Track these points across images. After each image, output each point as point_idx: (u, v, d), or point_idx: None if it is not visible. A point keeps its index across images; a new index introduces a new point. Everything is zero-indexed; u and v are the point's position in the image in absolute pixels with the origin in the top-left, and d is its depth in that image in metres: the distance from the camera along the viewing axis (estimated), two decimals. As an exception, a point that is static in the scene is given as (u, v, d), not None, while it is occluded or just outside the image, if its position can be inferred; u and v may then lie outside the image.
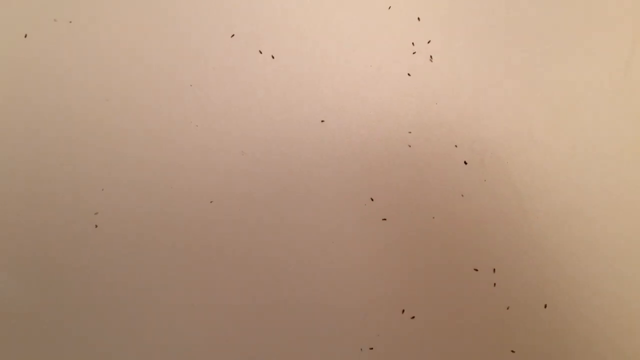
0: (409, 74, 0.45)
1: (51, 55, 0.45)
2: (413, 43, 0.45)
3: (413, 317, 0.44)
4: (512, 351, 0.43)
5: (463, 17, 0.45)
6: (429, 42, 0.45)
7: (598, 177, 0.44)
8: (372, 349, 0.44)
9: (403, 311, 0.44)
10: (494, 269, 0.44)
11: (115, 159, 0.44)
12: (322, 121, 0.45)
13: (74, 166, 0.44)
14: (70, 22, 0.45)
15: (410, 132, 0.45)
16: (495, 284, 0.44)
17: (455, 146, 0.45)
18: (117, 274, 0.44)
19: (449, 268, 0.44)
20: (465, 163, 0.45)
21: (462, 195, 0.44)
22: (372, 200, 0.45)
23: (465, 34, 0.45)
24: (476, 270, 0.44)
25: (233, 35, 0.45)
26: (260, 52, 0.45)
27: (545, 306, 0.44)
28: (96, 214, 0.44)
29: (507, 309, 0.44)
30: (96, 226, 0.44)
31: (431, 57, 0.45)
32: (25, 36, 0.45)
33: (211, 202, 0.44)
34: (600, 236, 0.44)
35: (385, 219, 0.45)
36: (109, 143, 0.44)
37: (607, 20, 0.45)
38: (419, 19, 0.45)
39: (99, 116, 0.45)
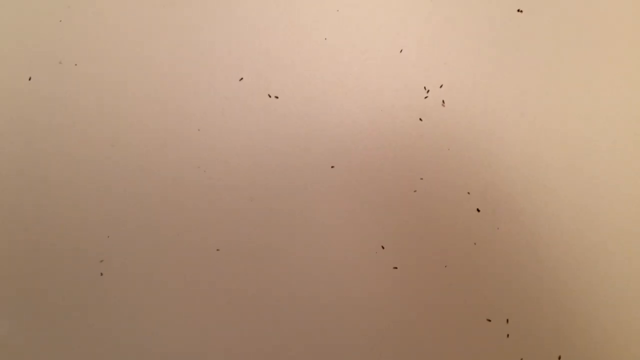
0: (420, 119, 0.44)
1: (56, 98, 0.44)
2: (425, 87, 0.44)
3: (424, 369, 0.43)
4: (526, 404, 0.43)
5: (476, 61, 0.45)
6: (441, 86, 0.44)
7: (614, 226, 0.43)
8: (382, 400, 0.43)
9: (414, 362, 0.43)
10: (507, 320, 0.43)
11: (121, 205, 0.43)
12: (332, 167, 0.44)
13: (78, 212, 0.43)
14: (76, 64, 0.44)
15: (422, 179, 0.44)
16: (508, 335, 0.43)
17: (468, 193, 0.44)
18: (123, 323, 0.43)
19: (461, 318, 0.43)
20: (478, 210, 0.44)
21: (475, 244, 0.44)
22: (383, 248, 0.44)
23: (479, 78, 0.44)
24: (489, 320, 0.43)
25: (241, 78, 0.44)
26: (269, 96, 0.44)
27: (559, 358, 0.43)
28: (102, 261, 0.43)
29: (521, 360, 0.43)
30: (101, 274, 0.43)
31: (443, 101, 0.44)
32: (30, 79, 0.44)
33: (218, 250, 0.43)
34: (617, 287, 0.43)
35: (396, 268, 0.44)
36: (114, 189, 0.44)
37: (622, 62, 0.44)
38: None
39: (105, 161, 0.44)
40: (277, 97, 0.44)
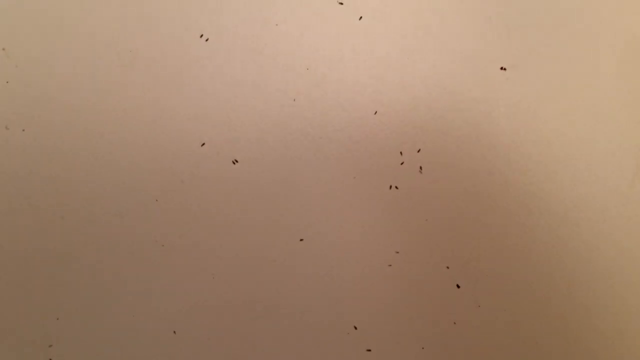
0: (396, 187, 0.41)
1: (3, 165, 0.41)
2: (401, 152, 0.41)
3: None
4: None
5: (456, 123, 0.41)
6: (418, 150, 0.41)
7: (597, 300, 0.40)
8: None
9: None
10: (489, 405, 0.40)
11: (71, 284, 0.40)
12: (301, 240, 0.41)
13: (25, 293, 0.40)
14: (24, 130, 0.41)
15: (397, 252, 0.41)
16: (490, 422, 0.40)
17: (447, 267, 0.41)
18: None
19: (440, 403, 0.40)
20: (458, 286, 0.41)
21: (454, 323, 0.40)
22: (356, 328, 0.41)
23: (459, 143, 0.41)
24: (469, 406, 0.40)
25: (203, 144, 0.41)
26: (233, 162, 0.41)
27: None
28: (50, 346, 0.40)
29: None
30: None
31: (421, 167, 0.41)
32: (-26, 146, 0.41)
33: (174, 332, 0.40)
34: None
35: (369, 350, 0.41)
36: (63, 265, 0.40)
37: (610, 147, 0.41)
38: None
39: (55, 235, 0.40)
40: (238, 162, 0.41)
